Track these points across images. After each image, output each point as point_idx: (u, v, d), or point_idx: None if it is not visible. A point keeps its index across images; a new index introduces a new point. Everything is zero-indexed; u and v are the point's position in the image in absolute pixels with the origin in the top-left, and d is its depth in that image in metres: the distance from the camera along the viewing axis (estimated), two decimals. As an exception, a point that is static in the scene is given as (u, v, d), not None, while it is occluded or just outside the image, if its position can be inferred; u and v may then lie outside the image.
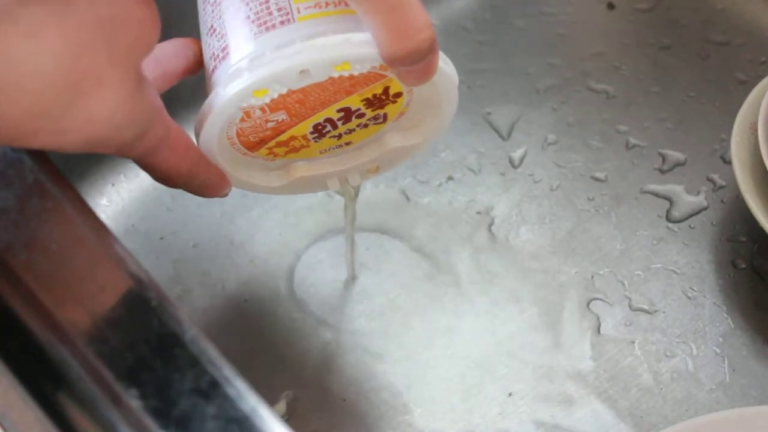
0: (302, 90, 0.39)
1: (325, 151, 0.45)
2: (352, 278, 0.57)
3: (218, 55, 0.40)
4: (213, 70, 0.40)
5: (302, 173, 0.47)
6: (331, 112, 0.41)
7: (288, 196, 0.61)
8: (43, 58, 0.31)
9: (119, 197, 0.61)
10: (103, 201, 0.61)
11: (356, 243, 0.58)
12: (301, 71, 0.38)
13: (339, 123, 0.42)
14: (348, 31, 0.37)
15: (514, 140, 0.63)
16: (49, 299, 0.34)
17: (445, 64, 0.40)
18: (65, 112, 0.32)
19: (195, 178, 0.41)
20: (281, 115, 0.40)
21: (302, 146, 0.43)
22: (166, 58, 0.42)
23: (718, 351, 0.55)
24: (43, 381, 0.34)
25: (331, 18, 0.38)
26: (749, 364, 0.54)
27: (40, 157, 0.38)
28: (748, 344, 0.55)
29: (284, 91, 0.39)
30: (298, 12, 0.38)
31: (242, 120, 0.40)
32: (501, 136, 0.63)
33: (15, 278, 0.35)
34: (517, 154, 0.62)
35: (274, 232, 0.59)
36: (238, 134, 0.41)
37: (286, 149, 0.43)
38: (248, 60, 0.38)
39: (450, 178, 0.61)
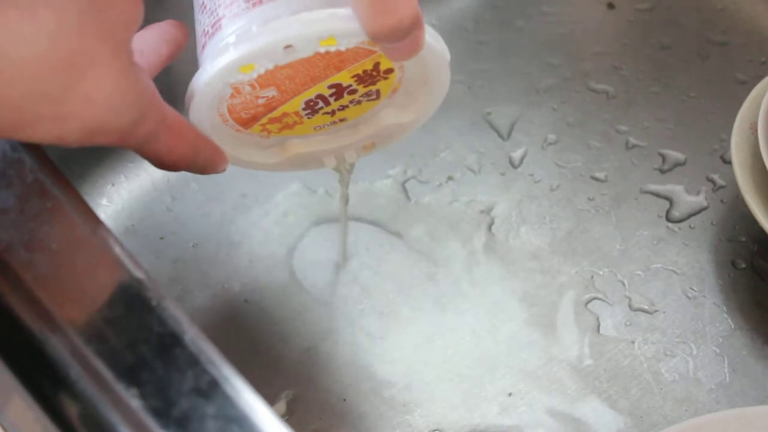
0: (290, 65, 0.39)
1: (320, 128, 0.45)
2: (344, 260, 0.57)
3: (208, 32, 0.40)
4: (203, 47, 0.40)
5: (297, 150, 0.46)
6: (322, 89, 0.41)
7: (288, 197, 0.61)
8: (38, 36, 0.31)
9: (119, 197, 0.61)
10: (103, 201, 0.61)
11: (357, 243, 0.58)
12: (287, 46, 0.37)
13: (331, 99, 0.42)
14: (335, 6, 0.37)
15: (514, 140, 0.63)
16: (49, 299, 0.34)
17: (434, 41, 0.40)
18: (64, 94, 0.32)
19: (198, 156, 0.41)
20: (271, 91, 0.40)
21: (296, 123, 0.43)
22: (147, 47, 0.42)
23: (718, 351, 0.55)
24: (43, 381, 0.34)
25: None
26: (749, 364, 0.54)
27: (40, 157, 0.38)
28: (748, 344, 0.55)
29: (271, 66, 0.38)
30: None
31: (232, 96, 0.40)
32: (501, 136, 0.63)
33: (15, 278, 0.35)
34: (517, 154, 0.62)
35: (274, 232, 0.59)
36: (229, 110, 0.41)
37: (279, 126, 0.43)
38: (235, 35, 0.38)
39: (450, 178, 0.61)
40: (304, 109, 0.42)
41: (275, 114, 0.42)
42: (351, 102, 0.43)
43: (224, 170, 0.44)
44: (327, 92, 0.41)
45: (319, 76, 0.40)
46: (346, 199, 0.53)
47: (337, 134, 0.46)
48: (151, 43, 0.42)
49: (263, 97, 0.40)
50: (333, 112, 0.43)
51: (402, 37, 0.36)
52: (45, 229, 0.36)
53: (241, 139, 0.44)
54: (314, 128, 0.45)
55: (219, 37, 0.39)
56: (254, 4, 0.38)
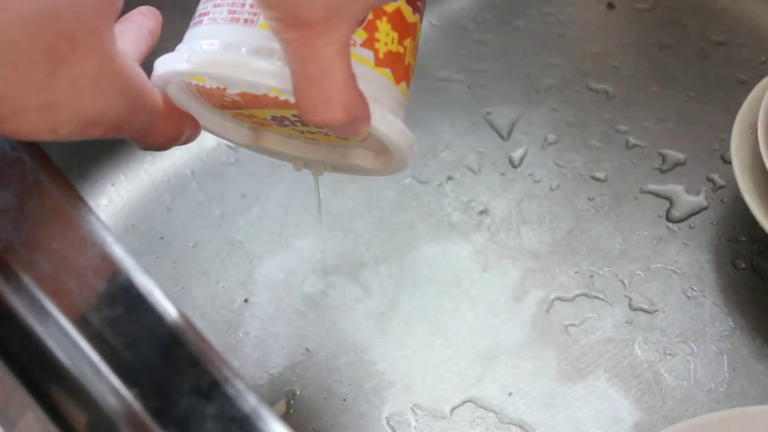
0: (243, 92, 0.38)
1: (292, 136, 0.44)
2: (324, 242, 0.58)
3: (195, 17, 0.39)
4: (190, 26, 0.40)
5: (270, 145, 0.45)
6: (287, 114, 0.40)
7: (288, 196, 0.61)
8: (14, 26, 0.30)
9: (119, 197, 0.61)
10: (103, 201, 0.61)
11: (356, 243, 0.58)
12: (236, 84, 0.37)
13: (297, 124, 0.41)
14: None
15: (514, 140, 0.63)
16: (49, 299, 0.34)
17: (393, 132, 0.39)
18: (48, 82, 0.32)
19: (181, 136, 0.41)
20: (235, 96, 0.39)
21: (267, 124, 0.42)
22: (129, 46, 0.41)
23: (718, 351, 0.55)
24: (43, 381, 0.34)
25: None
26: (749, 364, 0.54)
27: (40, 156, 0.38)
28: (748, 344, 0.55)
29: (222, 86, 0.38)
30: None
31: (198, 86, 0.39)
32: (501, 136, 0.63)
33: (15, 278, 0.35)
34: (517, 154, 0.62)
35: (274, 231, 0.59)
36: (199, 92, 0.40)
37: (250, 121, 0.42)
38: (201, 44, 0.37)
39: (450, 178, 0.61)
40: (272, 120, 0.41)
41: (244, 112, 0.41)
42: (319, 132, 0.41)
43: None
44: (292, 118, 0.40)
45: (278, 104, 0.39)
46: (317, 185, 0.52)
47: (308, 146, 0.45)
48: (131, 40, 0.41)
49: (229, 98, 0.39)
50: (302, 132, 0.42)
51: (335, 130, 0.36)
52: (45, 229, 0.36)
53: (215, 112, 0.43)
54: (286, 135, 0.44)
55: (196, 32, 0.39)
56: (232, 20, 0.38)
